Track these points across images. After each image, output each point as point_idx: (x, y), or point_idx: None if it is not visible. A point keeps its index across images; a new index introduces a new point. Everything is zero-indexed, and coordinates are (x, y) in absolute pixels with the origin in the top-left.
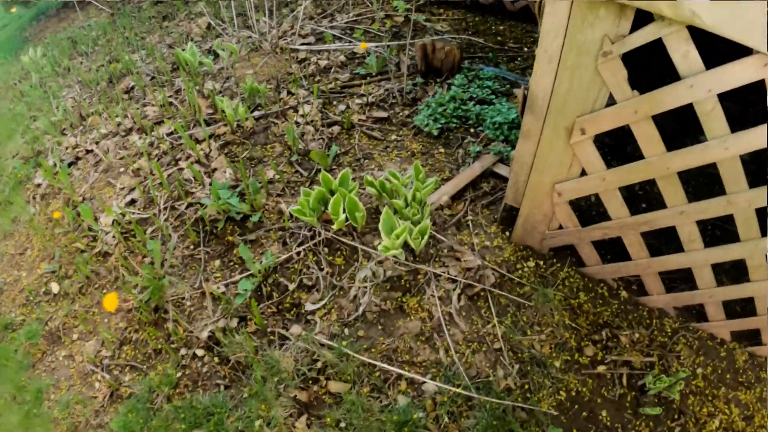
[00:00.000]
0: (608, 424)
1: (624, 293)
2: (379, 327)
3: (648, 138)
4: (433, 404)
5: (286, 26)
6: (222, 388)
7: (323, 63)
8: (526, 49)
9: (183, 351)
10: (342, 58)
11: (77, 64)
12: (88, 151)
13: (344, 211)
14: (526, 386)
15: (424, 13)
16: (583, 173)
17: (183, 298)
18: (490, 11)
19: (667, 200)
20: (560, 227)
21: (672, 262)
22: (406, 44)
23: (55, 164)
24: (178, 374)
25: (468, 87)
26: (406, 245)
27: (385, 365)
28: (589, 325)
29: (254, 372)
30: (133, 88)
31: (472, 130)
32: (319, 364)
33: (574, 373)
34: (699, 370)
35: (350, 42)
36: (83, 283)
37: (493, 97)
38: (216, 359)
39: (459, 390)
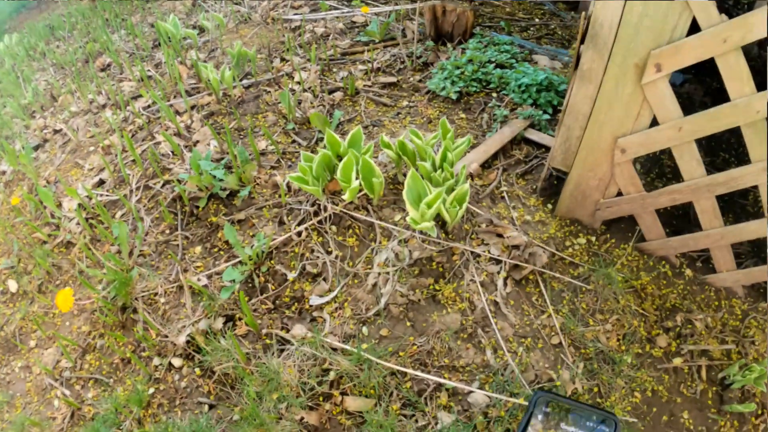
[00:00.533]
0: (691, 427)
1: (689, 271)
2: (408, 323)
3: (737, 75)
4: (485, 421)
5: None
6: (206, 408)
7: (320, 30)
8: (537, 20)
9: (156, 360)
10: (340, 25)
11: (54, 48)
12: (56, 131)
13: (357, 178)
14: (596, 389)
15: None
16: (652, 123)
17: (156, 294)
18: None
19: (752, 153)
20: (618, 194)
21: (750, 230)
22: (414, 8)
23: (23, 147)
24: (151, 390)
25: (485, 50)
26: (436, 219)
27: (418, 373)
28: (656, 310)
29: (246, 387)
30: (109, 65)
31: (494, 95)
32: (331, 375)
33: (648, 369)
34: None
35: (349, 10)
36: (43, 279)
37: (514, 61)
38: (197, 371)
39: (520, 401)
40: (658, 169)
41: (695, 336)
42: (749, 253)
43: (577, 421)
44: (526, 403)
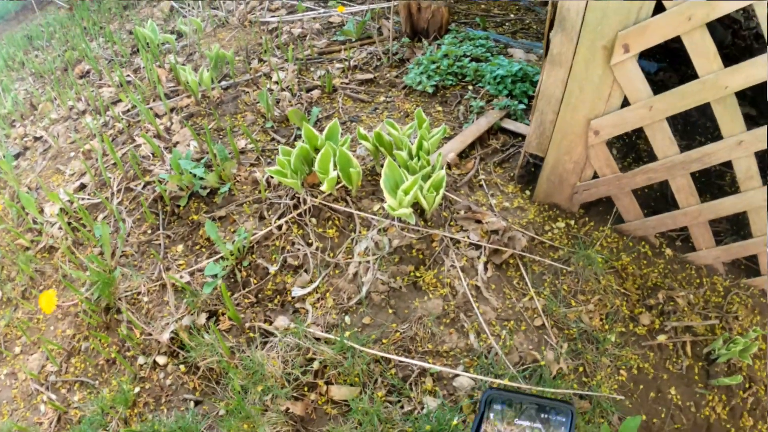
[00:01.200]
0: (679, 403)
1: (668, 251)
2: (390, 311)
3: (703, 51)
4: (471, 404)
5: (254, 2)
6: (191, 404)
7: (297, 31)
8: (512, 15)
9: (141, 359)
10: (317, 26)
11: (32, 57)
12: (36, 139)
13: (335, 169)
14: (581, 368)
15: None
16: (624, 104)
17: (139, 293)
18: None
19: (723, 129)
20: (594, 176)
21: (726, 206)
22: (389, 6)
23: (3, 155)
24: (136, 389)
25: (460, 45)
26: (414, 207)
27: (402, 358)
28: (638, 289)
29: (231, 381)
30: (88, 72)
31: (470, 87)
32: (315, 365)
33: (633, 347)
34: (758, 330)
35: (325, 11)
36: (27, 285)
37: (489, 55)
38: (182, 367)
39: (505, 382)
40: (635, 153)
41: (678, 313)
42: (727, 231)
43: (532, 415)
44: (513, 383)
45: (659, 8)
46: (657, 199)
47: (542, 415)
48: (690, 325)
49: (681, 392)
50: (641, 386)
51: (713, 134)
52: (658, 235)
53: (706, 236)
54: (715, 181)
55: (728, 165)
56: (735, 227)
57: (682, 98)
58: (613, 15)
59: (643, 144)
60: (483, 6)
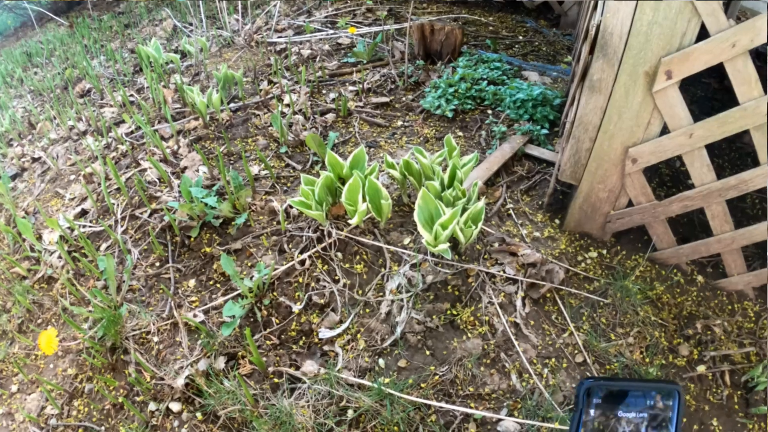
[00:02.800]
0: None
1: (700, 278)
2: (427, 352)
3: (745, 78)
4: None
5: (260, 23)
6: None
7: (306, 53)
8: (521, 37)
9: (152, 406)
10: (326, 47)
11: (31, 74)
12: (34, 160)
13: (364, 201)
14: None
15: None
16: (663, 132)
17: (148, 333)
18: (475, 4)
19: (761, 155)
20: (629, 205)
21: (761, 232)
22: (400, 28)
23: None
24: None
25: (476, 68)
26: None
27: (443, 404)
28: (674, 319)
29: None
30: (89, 91)
31: (490, 111)
32: (350, 413)
33: (674, 379)
34: None
35: (334, 32)
36: (24, 317)
37: (505, 78)
38: (199, 415)
39: (555, 425)
40: (658, 178)
41: (715, 342)
42: (755, 255)
43: (635, 403)
44: (561, 426)
45: (702, 35)
46: (684, 224)
47: (647, 402)
48: (727, 353)
49: (722, 422)
50: (684, 419)
51: (729, 156)
52: (689, 262)
53: (738, 262)
54: (737, 204)
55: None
56: (761, 251)
57: (722, 125)
58: (657, 40)
59: (665, 168)
60: (491, 28)
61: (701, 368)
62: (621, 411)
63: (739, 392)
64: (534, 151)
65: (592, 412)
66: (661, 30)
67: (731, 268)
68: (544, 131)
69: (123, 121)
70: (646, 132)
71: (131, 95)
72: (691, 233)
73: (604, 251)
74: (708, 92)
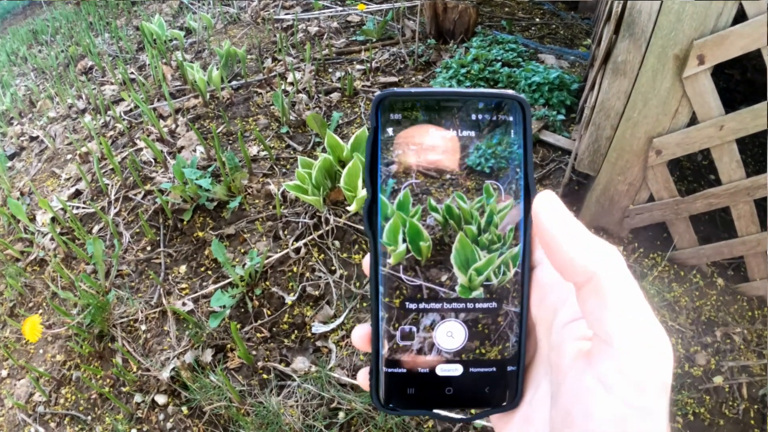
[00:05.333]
0: None
1: (720, 281)
2: None
3: None
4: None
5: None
6: None
7: (313, 30)
8: (537, 19)
9: (138, 397)
10: (335, 24)
11: (35, 52)
12: (33, 138)
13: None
14: None
15: None
16: (692, 122)
17: (136, 321)
18: None
19: None
20: (650, 199)
21: None
22: (412, 5)
23: None
24: (133, 431)
25: (489, 49)
26: None
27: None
28: (692, 324)
29: (242, 430)
30: (91, 68)
31: None
32: (341, 416)
33: (689, 390)
34: None
35: (343, 9)
36: (16, 300)
37: (520, 60)
38: (184, 410)
39: None
40: (679, 171)
41: (734, 351)
42: None
43: (456, 120)
44: None
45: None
46: (706, 222)
47: (473, 117)
48: (746, 364)
49: None
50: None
51: (751, 151)
52: (710, 264)
53: (761, 266)
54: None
55: None
56: None
57: (755, 118)
58: (689, 20)
59: (685, 161)
60: (507, 9)
61: (718, 379)
62: (435, 129)
63: (756, 406)
64: (549, 137)
65: (390, 130)
66: (694, 9)
67: (754, 272)
68: (561, 117)
69: (122, 99)
70: (672, 121)
71: (132, 72)
72: (713, 233)
73: (621, 248)
74: (730, 84)
